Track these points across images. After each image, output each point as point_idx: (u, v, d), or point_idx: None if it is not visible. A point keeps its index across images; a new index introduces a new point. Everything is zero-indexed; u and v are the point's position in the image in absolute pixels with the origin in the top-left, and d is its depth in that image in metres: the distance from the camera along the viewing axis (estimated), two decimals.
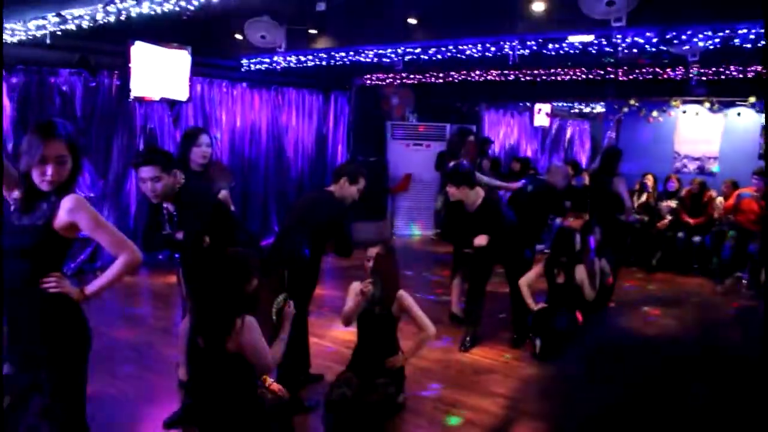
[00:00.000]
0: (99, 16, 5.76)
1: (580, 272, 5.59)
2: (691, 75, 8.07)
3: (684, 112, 10.52)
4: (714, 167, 10.45)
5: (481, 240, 5.46)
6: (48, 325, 2.68)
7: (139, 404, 4.43)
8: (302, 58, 8.48)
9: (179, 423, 4.05)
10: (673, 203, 9.55)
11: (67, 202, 2.65)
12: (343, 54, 8.19)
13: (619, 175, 6.82)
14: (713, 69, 7.97)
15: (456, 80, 10.03)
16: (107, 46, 7.51)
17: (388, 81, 10.78)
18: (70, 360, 2.73)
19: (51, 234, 2.64)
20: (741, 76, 7.95)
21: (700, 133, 10.67)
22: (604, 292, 6.37)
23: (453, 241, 6.16)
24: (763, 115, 10.04)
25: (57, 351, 2.68)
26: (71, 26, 6.10)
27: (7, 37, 6.65)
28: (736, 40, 6.01)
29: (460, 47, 7.37)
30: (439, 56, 7.73)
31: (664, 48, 6.34)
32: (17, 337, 2.71)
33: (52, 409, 2.67)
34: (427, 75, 10.11)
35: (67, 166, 2.66)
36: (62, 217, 2.64)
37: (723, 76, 8.09)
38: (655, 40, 6.12)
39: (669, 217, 9.47)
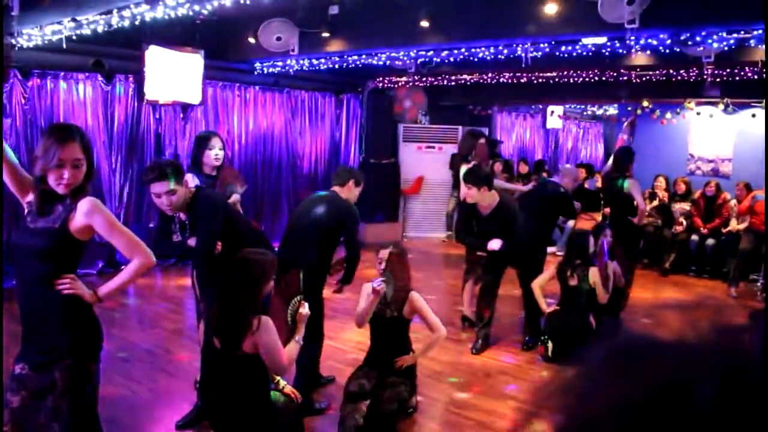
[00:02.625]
0: (114, 21, 5.81)
1: (593, 275, 5.58)
2: (705, 76, 8.02)
3: (698, 113, 10.46)
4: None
5: (494, 244, 5.44)
6: (62, 326, 2.71)
7: (152, 405, 4.46)
8: (315, 61, 8.50)
9: (191, 424, 4.08)
10: (686, 206, 9.49)
11: (83, 205, 2.68)
12: (356, 57, 8.20)
13: (631, 177, 6.76)
14: (728, 70, 7.91)
15: (468, 82, 10.02)
16: (121, 50, 7.56)
17: (400, 83, 10.79)
18: (83, 360, 2.76)
19: (66, 236, 2.67)
20: (756, 77, 7.89)
21: (714, 135, 10.61)
22: (617, 296, 6.34)
23: (466, 244, 6.13)
24: None
25: (70, 351, 2.71)
26: (86, 30, 6.15)
27: (23, 42, 6.72)
28: (752, 41, 5.97)
29: (473, 49, 7.37)
30: (452, 58, 7.73)
31: (678, 49, 6.31)
32: (32, 336, 2.75)
33: (64, 409, 2.69)
34: (440, 77, 10.11)
35: (82, 169, 2.69)
36: (78, 219, 2.67)
37: (737, 78, 8.03)
38: (668, 41, 6.09)
39: (684, 222, 9.41)
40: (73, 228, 2.68)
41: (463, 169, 6.31)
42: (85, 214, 2.67)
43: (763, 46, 6.15)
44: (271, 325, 3.10)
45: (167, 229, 3.96)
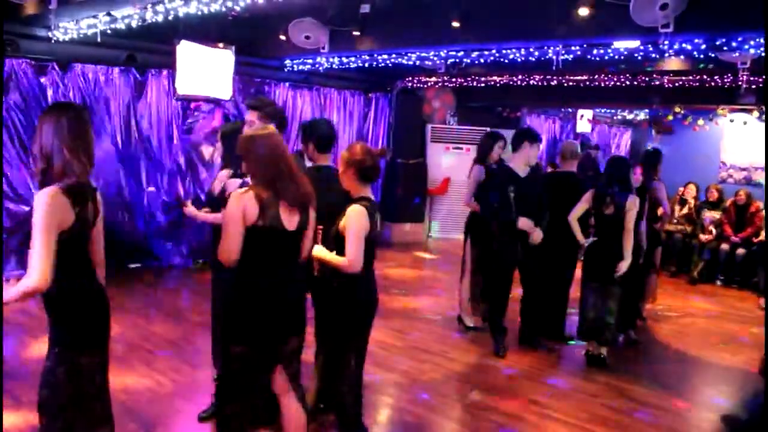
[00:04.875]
0: (148, 16, 5.88)
1: (631, 204, 5.28)
2: (740, 83, 7.88)
3: (731, 120, 10.30)
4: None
5: (537, 236, 5.51)
6: (48, 315, 2.72)
7: (175, 396, 4.51)
8: (345, 60, 8.52)
9: (213, 416, 4.12)
10: (717, 214, 9.35)
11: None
12: (386, 56, 8.20)
13: (659, 180, 6.58)
14: (763, 77, 7.77)
15: (498, 84, 9.96)
16: (154, 45, 7.67)
17: (429, 84, 10.78)
18: (73, 352, 2.73)
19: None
20: None
21: (748, 142, 10.43)
22: (631, 308, 6.20)
23: (497, 214, 5.68)
24: None
25: (56, 341, 2.72)
26: (121, 25, 6.24)
27: (59, 35, 6.84)
28: None
29: (504, 51, 7.32)
30: (482, 60, 7.68)
31: (713, 54, 6.21)
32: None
33: (58, 397, 2.73)
34: (469, 78, 10.07)
35: (35, 146, 2.64)
36: None
37: None
38: (703, 46, 5.99)
39: (713, 230, 9.27)
40: None
41: (476, 169, 6.27)
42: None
43: None
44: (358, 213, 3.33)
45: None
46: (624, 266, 5.31)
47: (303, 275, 3.34)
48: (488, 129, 11.13)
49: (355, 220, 3.34)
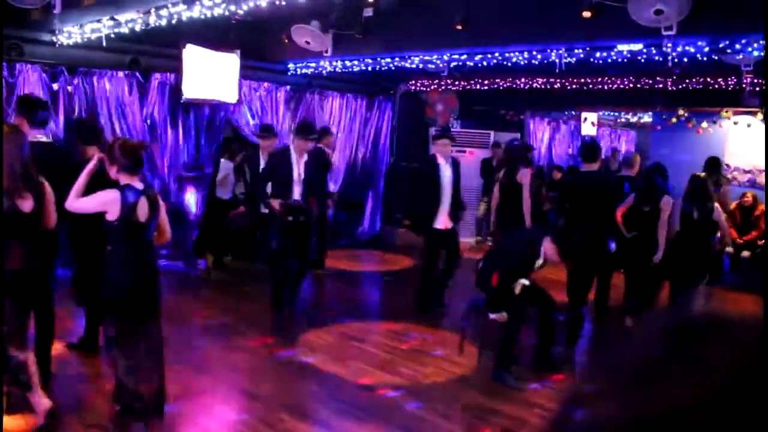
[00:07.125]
0: (151, 20, 5.90)
1: (665, 203, 6.13)
2: (743, 85, 7.87)
3: (735, 123, 10.28)
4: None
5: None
6: None
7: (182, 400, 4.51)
8: (348, 63, 8.53)
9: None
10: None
11: None
12: (389, 59, 8.21)
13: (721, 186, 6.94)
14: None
15: (501, 87, 9.97)
16: (158, 49, 7.68)
17: (432, 87, 10.78)
18: None
19: None
20: None
21: (752, 145, 10.41)
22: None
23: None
24: None
25: None
26: (125, 29, 6.26)
27: (63, 39, 6.86)
28: None
29: (507, 54, 7.32)
30: (485, 63, 7.69)
31: (716, 57, 6.21)
32: None
33: None
34: (472, 81, 10.08)
35: None
36: None
37: None
38: (706, 49, 5.99)
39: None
40: None
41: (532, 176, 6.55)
42: None
43: None
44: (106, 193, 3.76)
45: None
46: (659, 255, 6.14)
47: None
48: (491, 132, 11.21)
49: (100, 194, 3.76)
